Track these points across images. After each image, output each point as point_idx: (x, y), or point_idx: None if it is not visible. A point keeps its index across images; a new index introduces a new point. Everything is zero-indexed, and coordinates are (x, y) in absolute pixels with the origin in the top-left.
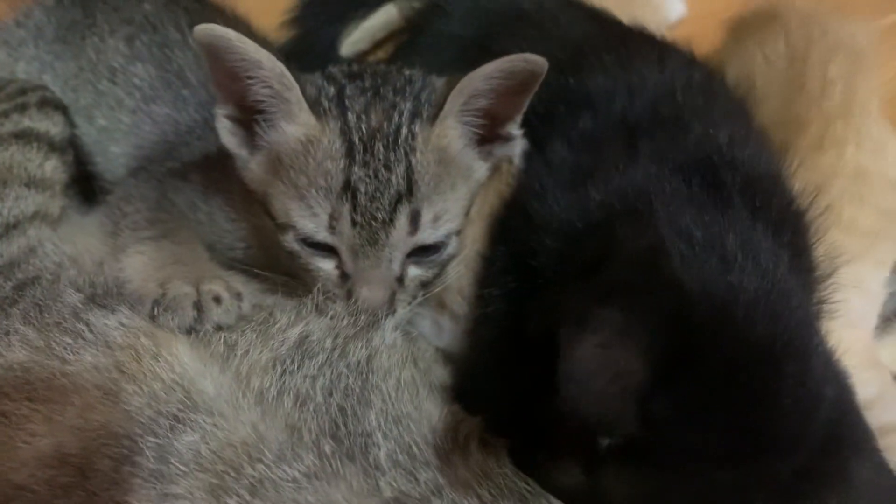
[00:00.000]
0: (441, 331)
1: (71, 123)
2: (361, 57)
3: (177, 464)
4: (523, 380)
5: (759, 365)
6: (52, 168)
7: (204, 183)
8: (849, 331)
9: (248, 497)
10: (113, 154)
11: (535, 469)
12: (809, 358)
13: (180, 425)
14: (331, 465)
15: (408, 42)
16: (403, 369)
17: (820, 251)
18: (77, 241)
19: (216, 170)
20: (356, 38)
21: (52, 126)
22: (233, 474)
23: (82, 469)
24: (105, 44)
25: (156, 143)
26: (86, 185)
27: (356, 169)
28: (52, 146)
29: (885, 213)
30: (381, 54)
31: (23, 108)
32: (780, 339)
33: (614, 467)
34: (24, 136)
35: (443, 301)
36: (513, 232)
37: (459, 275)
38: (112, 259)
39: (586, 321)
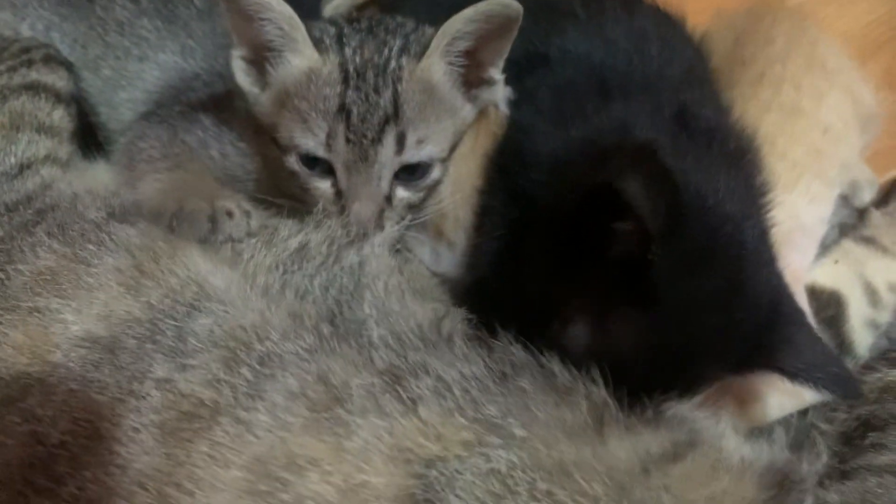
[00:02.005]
0: (439, 258)
1: (75, 79)
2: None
3: (193, 342)
4: (533, 274)
5: (730, 242)
6: (60, 117)
7: (214, 122)
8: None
9: (257, 366)
10: (120, 100)
11: (546, 343)
12: (764, 250)
13: (195, 311)
14: (329, 344)
15: (389, 5)
16: (391, 276)
17: (763, 179)
18: (87, 181)
19: (225, 110)
20: (338, 2)
21: (57, 79)
22: (244, 349)
23: (110, 348)
24: (112, 2)
25: (164, 88)
26: (87, 141)
27: (350, 93)
28: (59, 97)
29: (815, 152)
30: None
31: (29, 63)
32: (743, 226)
33: (622, 318)
34: (33, 88)
35: (441, 230)
36: (506, 168)
37: (456, 206)
38: (127, 187)
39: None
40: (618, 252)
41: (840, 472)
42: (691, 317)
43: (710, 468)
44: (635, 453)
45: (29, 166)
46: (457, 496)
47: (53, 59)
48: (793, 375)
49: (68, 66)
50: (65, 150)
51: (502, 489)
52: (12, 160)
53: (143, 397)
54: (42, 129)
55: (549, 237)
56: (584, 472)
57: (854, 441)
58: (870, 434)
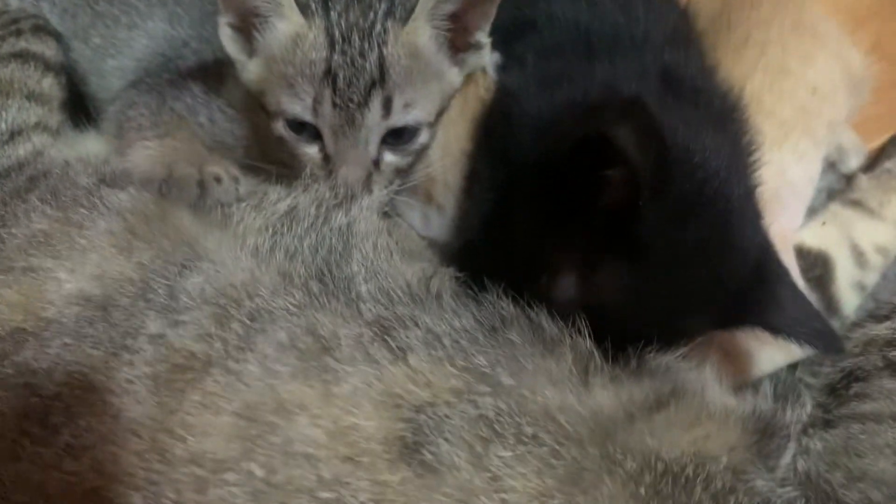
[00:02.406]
0: (429, 222)
1: (64, 49)
2: None
3: (185, 299)
4: (522, 231)
5: (716, 196)
6: (49, 85)
7: (203, 89)
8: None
9: (248, 321)
10: (109, 68)
11: (536, 297)
12: (750, 208)
13: (186, 270)
14: (318, 300)
15: None
16: (379, 237)
17: (750, 138)
18: (78, 149)
19: (214, 77)
20: None
21: (46, 49)
22: (234, 306)
23: (104, 305)
24: None
25: (153, 56)
26: (77, 111)
27: (336, 57)
28: (48, 66)
29: (803, 110)
30: None
31: (18, 33)
32: (729, 182)
33: (610, 269)
34: (22, 56)
35: (430, 194)
36: (494, 131)
37: (445, 170)
38: (117, 154)
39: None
40: (607, 201)
41: (824, 421)
42: (677, 269)
43: (694, 415)
44: (619, 401)
45: (20, 133)
46: (445, 439)
47: (43, 29)
48: (776, 331)
49: (57, 37)
50: (55, 118)
51: (490, 433)
52: (3, 126)
53: (137, 352)
54: (32, 96)
55: (538, 193)
56: (569, 417)
57: (838, 392)
58: (853, 385)
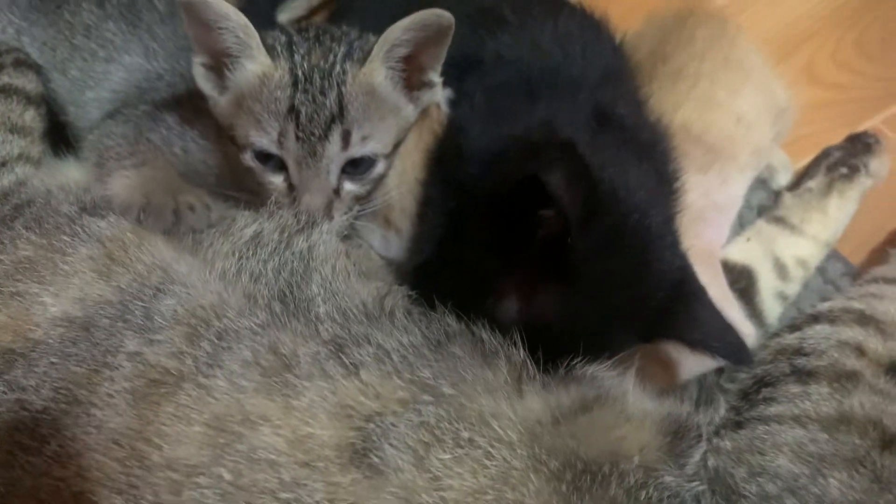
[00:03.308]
0: (388, 244)
1: (44, 80)
2: (298, 22)
3: (159, 320)
4: (470, 256)
5: (637, 228)
6: (31, 118)
7: (177, 120)
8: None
9: (216, 340)
10: (87, 99)
11: (482, 315)
12: (668, 235)
13: (161, 293)
14: (280, 320)
15: (340, 10)
16: (338, 260)
17: (674, 167)
18: (59, 177)
19: (188, 109)
20: (294, 4)
21: (27, 82)
22: (203, 326)
23: (86, 326)
24: (79, 7)
25: (129, 88)
26: (55, 139)
27: (299, 95)
28: (29, 99)
29: (728, 138)
30: (317, 19)
31: (0, 67)
32: (650, 214)
33: (547, 293)
34: (5, 91)
35: (389, 219)
36: (445, 162)
37: (402, 196)
38: (97, 183)
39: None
40: (543, 235)
41: (735, 423)
42: (604, 292)
43: (614, 418)
44: (548, 406)
45: (3, 164)
46: (391, 445)
47: (23, 63)
48: (692, 344)
49: (37, 69)
50: (36, 148)
51: (431, 438)
52: None
53: (116, 368)
54: (15, 129)
55: (484, 223)
56: (501, 422)
57: (750, 396)
58: (763, 389)
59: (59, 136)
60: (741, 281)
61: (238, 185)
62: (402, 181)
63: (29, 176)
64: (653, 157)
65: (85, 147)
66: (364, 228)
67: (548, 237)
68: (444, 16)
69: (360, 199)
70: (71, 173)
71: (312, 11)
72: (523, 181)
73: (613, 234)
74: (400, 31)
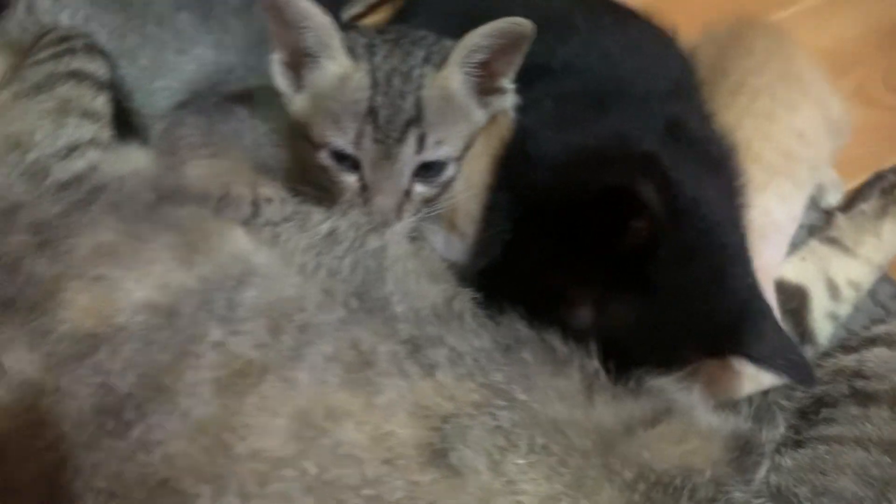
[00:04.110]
0: (451, 247)
1: (111, 66)
2: (356, 20)
3: (242, 311)
4: (541, 263)
5: (714, 243)
6: (102, 103)
7: (248, 114)
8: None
9: (297, 333)
10: (156, 88)
11: (552, 322)
12: (742, 252)
13: (242, 284)
14: (357, 316)
15: (404, 10)
16: (408, 260)
17: (742, 182)
18: (129, 164)
19: (259, 104)
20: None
21: (97, 68)
22: (285, 319)
23: (169, 314)
24: None
25: (200, 80)
26: (119, 126)
27: (378, 97)
28: (100, 85)
29: (787, 155)
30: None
31: (72, 52)
32: (725, 230)
33: (622, 303)
34: (77, 76)
35: (453, 222)
36: (512, 168)
37: (468, 200)
38: (170, 172)
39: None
40: (627, 245)
41: (794, 442)
42: (678, 305)
43: (683, 432)
44: (619, 417)
45: (76, 149)
46: (468, 447)
47: (93, 48)
48: (757, 361)
49: (105, 55)
50: (106, 134)
51: (506, 443)
52: (61, 143)
53: (201, 356)
54: (87, 114)
55: (555, 231)
56: (576, 430)
57: (809, 416)
58: (822, 410)
59: (124, 123)
60: (794, 300)
61: (307, 181)
62: (469, 186)
63: (100, 161)
64: (722, 172)
65: (155, 135)
66: (428, 230)
67: (630, 248)
68: (523, 24)
69: (428, 202)
70: (139, 160)
71: (370, 8)
72: (609, 191)
73: (691, 248)
74: (479, 37)
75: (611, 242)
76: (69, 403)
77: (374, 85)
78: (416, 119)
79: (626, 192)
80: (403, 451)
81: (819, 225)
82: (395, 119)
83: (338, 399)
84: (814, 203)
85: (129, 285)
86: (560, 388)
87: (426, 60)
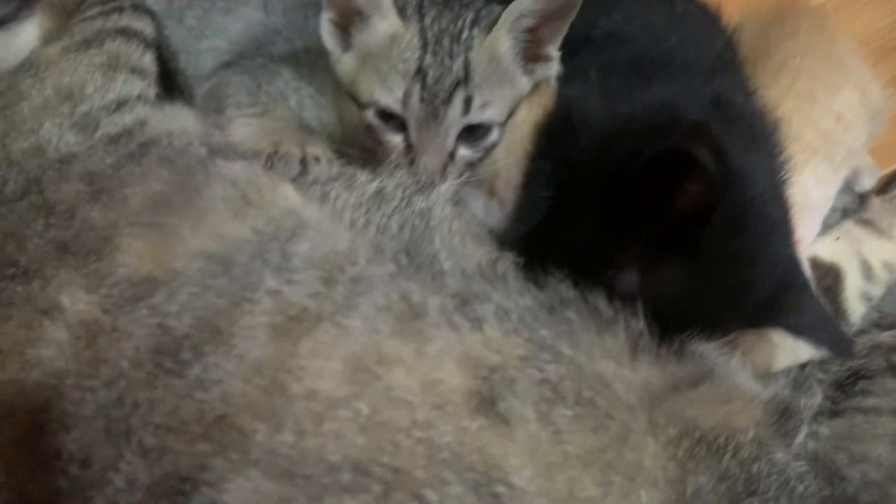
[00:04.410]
0: (490, 213)
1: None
2: None
3: (296, 261)
4: (587, 227)
5: (760, 213)
6: (149, 61)
7: (294, 76)
8: None
9: (350, 285)
10: (202, 48)
11: (597, 284)
12: (787, 227)
13: (296, 237)
14: (406, 271)
15: None
16: (453, 222)
17: (784, 158)
18: (176, 121)
19: (303, 65)
20: None
21: (145, 26)
22: (338, 270)
23: (224, 262)
24: None
25: (246, 40)
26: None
27: (427, 57)
28: (147, 43)
29: (825, 136)
30: None
31: (120, 10)
32: (770, 201)
33: (670, 267)
34: (125, 33)
35: (494, 188)
36: (554, 135)
37: (508, 167)
38: (217, 129)
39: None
40: (680, 209)
41: (831, 411)
42: (724, 273)
43: (726, 393)
44: (663, 376)
45: (125, 103)
46: (516, 396)
47: (140, 7)
48: (797, 332)
49: (151, 14)
50: (153, 91)
51: (553, 395)
52: (111, 96)
53: (256, 303)
54: (135, 70)
55: (602, 195)
56: (622, 385)
57: (845, 387)
58: (859, 382)
59: (168, 84)
60: (828, 278)
61: (352, 142)
62: (510, 152)
63: (148, 116)
64: (766, 146)
65: (201, 94)
66: (468, 195)
67: (683, 212)
68: None
69: (470, 166)
70: (185, 118)
71: None
72: (665, 154)
73: (740, 217)
74: (529, 2)
75: (663, 207)
76: (127, 343)
77: (424, 45)
78: (464, 80)
79: (684, 156)
80: (452, 398)
81: (852, 208)
82: (443, 80)
83: (389, 346)
84: (847, 186)
85: (185, 233)
86: (605, 347)
87: (475, 23)
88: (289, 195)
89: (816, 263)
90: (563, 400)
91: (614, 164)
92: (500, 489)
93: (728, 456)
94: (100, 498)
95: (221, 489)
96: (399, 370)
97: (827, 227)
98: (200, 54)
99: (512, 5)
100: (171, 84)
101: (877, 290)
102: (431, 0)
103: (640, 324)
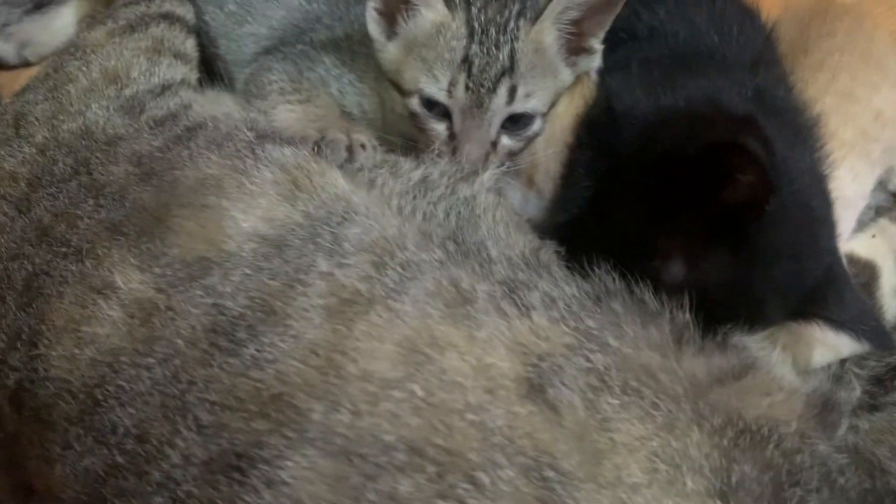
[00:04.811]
0: (527, 203)
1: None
2: None
3: (347, 245)
4: (631, 218)
5: (804, 206)
6: (191, 46)
7: (335, 62)
8: None
9: (400, 270)
10: (243, 34)
11: (641, 275)
12: (830, 220)
13: (346, 221)
14: (455, 258)
15: None
16: (497, 210)
17: (825, 153)
18: (219, 106)
19: (345, 52)
20: None
21: (186, 12)
22: (388, 255)
23: (277, 245)
24: None
25: (287, 27)
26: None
27: (474, 47)
28: (189, 28)
29: (863, 134)
30: None
31: None
32: (812, 194)
33: (716, 258)
34: (168, 18)
35: (532, 179)
36: (596, 127)
37: (548, 159)
38: (262, 115)
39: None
40: (730, 201)
41: (870, 406)
42: (769, 265)
43: (768, 385)
44: (707, 367)
45: (169, 87)
46: (564, 384)
47: None
48: (839, 325)
49: (192, 1)
50: (194, 76)
51: (600, 384)
52: (156, 80)
53: (310, 285)
54: (178, 55)
55: (647, 186)
56: (667, 376)
57: (884, 382)
58: None
59: (207, 69)
60: (864, 275)
61: (391, 129)
62: (550, 143)
63: (192, 101)
64: (807, 141)
65: (244, 80)
66: (507, 185)
67: (733, 203)
68: None
69: (512, 155)
70: (227, 103)
71: None
72: (716, 146)
73: (786, 210)
74: None
75: (712, 198)
76: (182, 322)
77: (471, 35)
78: (510, 70)
79: (736, 147)
80: (504, 383)
81: (887, 206)
82: (488, 69)
83: (441, 330)
84: (881, 185)
85: (237, 215)
86: (650, 338)
87: (521, 13)
88: (337, 181)
89: (852, 260)
90: (610, 389)
91: (659, 156)
92: (550, 473)
93: (771, 446)
94: (156, 473)
95: (278, 466)
96: (452, 354)
97: (861, 224)
98: (241, 40)
99: None
100: (210, 69)
101: None
102: None
103: (685, 316)
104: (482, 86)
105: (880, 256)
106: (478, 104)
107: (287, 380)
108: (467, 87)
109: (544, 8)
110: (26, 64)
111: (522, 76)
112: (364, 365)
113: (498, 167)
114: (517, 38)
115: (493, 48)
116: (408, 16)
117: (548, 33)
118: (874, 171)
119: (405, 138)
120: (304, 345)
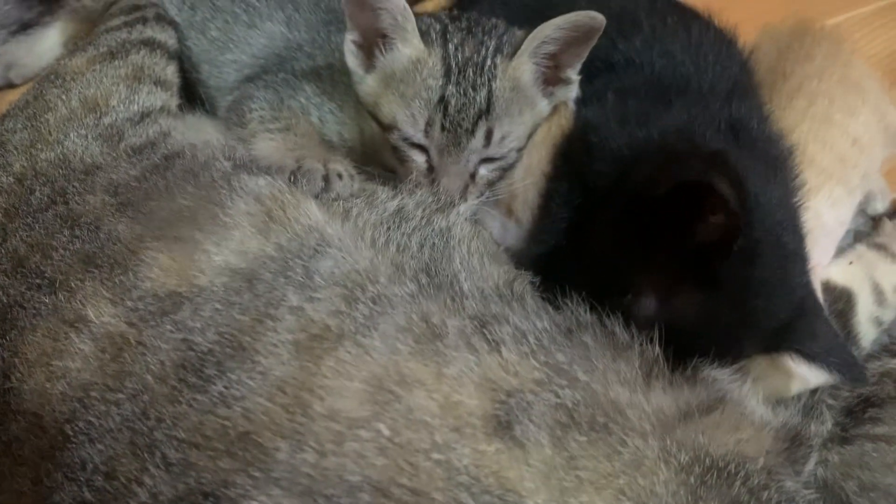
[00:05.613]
0: (506, 232)
1: (179, 38)
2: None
3: (319, 279)
4: (606, 252)
5: (776, 242)
6: (172, 72)
7: (316, 91)
8: None
9: (371, 304)
10: (225, 60)
11: (613, 308)
12: (802, 254)
13: (318, 254)
14: (427, 291)
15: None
16: (472, 241)
17: (799, 183)
18: (198, 133)
19: (326, 81)
20: None
21: (168, 38)
22: (359, 289)
23: (248, 278)
24: None
25: (269, 55)
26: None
27: (451, 87)
28: (170, 54)
29: (841, 160)
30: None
31: (143, 21)
32: (785, 229)
33: (688, 295)
34: (149, 44)
35: (511, 208)
36: (572, 158)
37: (526, 188)
38: (240, 143)
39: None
40: (701, 240)
41: (841, 438)
42: (741, 301)
43: (737, 420)
44: (676, 403)
45: (148, 115)
46: (531, 421)
47: (163, 18)
48: (811, 358)
49: (174, 25)
50: (175, 102)
51: (568, 420)
52: (135, 108)
53: (279, 320)
54: (158, 82)
55: (621, 220)
56: (635, 412)
57: (855, 414)
58: (869, 409)
59: (189, 94)
60: (840, 302)
61: (371, 158)
62: (528, 174)
63: (171, 128)
64: (781, 172)
65: (223, 108)
66: (485, 214)
67: (704, 242)
68: (597, 18)
69: (490, 184)
70: (208, 130)
71: None
72: (687, 185)
73: (757, 246)
74: (551, 28)
75: (683, 236)
76: (152, 357)
77: (447, 73)
78: (487, 112)
79: (705, 188)
80: (471, 421)
81: (865, 230)
82: (465, 110)
83: (409, 367)
84: (860, 209)
85: (210, 248)
86: (620, 372)
87: (498, 50)
88: (312, 212)
89: (829, 287)
90: (578, 426)
91: (632, 190)
92: None
93: (738, 483)
94: None
95: None
96: (419, 391)
97: (839, 249)
98: (223, 66)
99: (535, 32)
100: (192, 94)
101: (888, 315)
102: (455, 25)
103: (655, 350)
104: (459, 126)
105: (857, 283)
106: (455, 143)
107: (253, 418)
108: (443, 128)
109: (521, 43)
110: (11, 85)
111: (499, 118)
112: (331, 403)
113: (477, 197)
114: (494, 78)
115: (471, 89)
116: (385, 49)
117: (525, 69)
118: (853, 198)
119: (384, 168)
120: (271, 382)
